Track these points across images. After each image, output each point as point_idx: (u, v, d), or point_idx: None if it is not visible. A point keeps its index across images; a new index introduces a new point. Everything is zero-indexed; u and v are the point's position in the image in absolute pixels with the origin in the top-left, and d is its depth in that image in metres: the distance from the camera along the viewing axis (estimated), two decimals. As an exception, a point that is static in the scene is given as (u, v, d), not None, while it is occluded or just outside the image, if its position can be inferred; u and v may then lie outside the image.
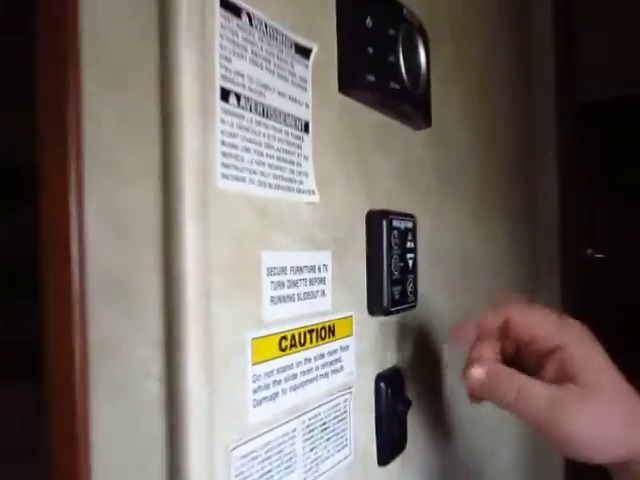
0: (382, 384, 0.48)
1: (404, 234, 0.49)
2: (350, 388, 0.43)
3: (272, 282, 0.35)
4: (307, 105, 0.38)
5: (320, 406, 0.40)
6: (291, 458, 0.37)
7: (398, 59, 0.45)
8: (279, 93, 0.35)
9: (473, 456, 0.67)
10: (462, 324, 0.44)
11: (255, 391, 0.33)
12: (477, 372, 0.40)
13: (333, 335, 0.41)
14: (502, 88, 0.86)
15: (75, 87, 0.27)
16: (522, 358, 0.42)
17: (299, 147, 0.37)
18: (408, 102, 0.47)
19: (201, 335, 0.29)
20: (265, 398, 0.34)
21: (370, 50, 0.42)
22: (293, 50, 0.37)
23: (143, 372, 0.29)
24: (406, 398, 0.50)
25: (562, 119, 1.03)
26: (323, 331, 0.40)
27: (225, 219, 0.31)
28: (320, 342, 0.40)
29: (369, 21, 0.42)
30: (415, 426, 0.53)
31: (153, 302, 0.29)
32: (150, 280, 0.29)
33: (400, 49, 0.45)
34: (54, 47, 0.28)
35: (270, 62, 0.35)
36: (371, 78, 0.42)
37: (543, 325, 0.40)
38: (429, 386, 0.56)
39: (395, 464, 0.50)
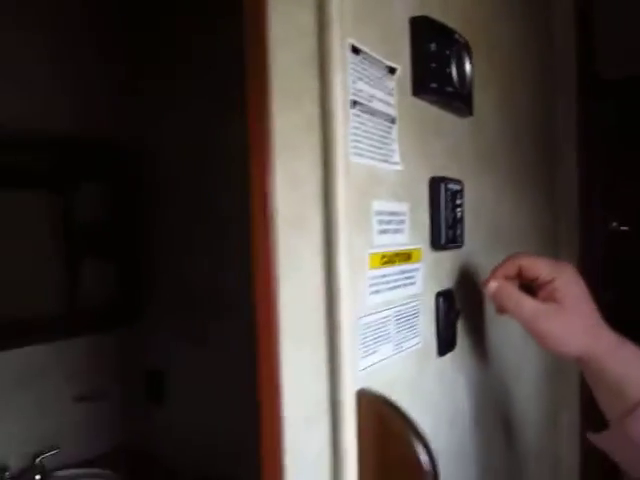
0: (440, 299, 0.69)
1: (454, 194, 0.69)
2: (419, 297, 0.65)
3: (377, 220, 0.56)
4: (394, 106, 0.59)
5: (402, 305, 0.61)
6: (388, 333, 0.58)
7: (451, 70, 0.65)
8: (379, 99, 0.56)
9: (504, 364, 0.88)
10: (493, 270, 0.65)
11: (370, 286, 0.55)
12: (492, 284, 0.61)
13: (409, 259, 0.62)
14: (526, 78, 1.04)
15: (269, 104, 0.48)
16: (528, 290, 0.63)
17: (390, 133, 0.58)
18: (458, 99, 0.67)
19: (346, 248, 0.50)
20: (374, 291, 0.56)
21: (433, 65, 0.62)
22: (386, 71, 0.57)
23: (313, 271, 0.50)
24: (456, 310, 0.71)
25: (581, 97, 1.19)
26: (404, 255, 0.61)
27: (354, 179, 0.52)
28: (402, 262, 0.61)
29: (432, 45, 0.62)
30: (461, 333, 0.74)
31: (317, 228, 0.50)
32: (314, 214, 0.50)
33: (453, 63, 0.65)
34: (257, 90, 0.49)
35: (374, 80, 0.55)
36: (433, 85, 0.63)
37: (543, 266, 0.61)
38: (471, 304, 0.77)
39: (448, 357, 0.71)
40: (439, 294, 0.69)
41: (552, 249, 1.16)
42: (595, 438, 0.63)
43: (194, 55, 1.79)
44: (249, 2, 0.49)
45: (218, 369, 1.86)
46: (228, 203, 1.79)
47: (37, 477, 1.76)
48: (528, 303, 0.60)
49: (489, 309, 0.81)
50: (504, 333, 0.87)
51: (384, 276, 0.57)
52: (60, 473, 1.82)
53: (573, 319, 0.59)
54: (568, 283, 0.60)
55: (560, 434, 1.24)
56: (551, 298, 0.59)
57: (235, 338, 1.80)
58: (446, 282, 0.71)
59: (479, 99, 0.77)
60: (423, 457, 0.50)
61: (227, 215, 1.81)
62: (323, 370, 0.51)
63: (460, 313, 0.71)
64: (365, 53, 0.53)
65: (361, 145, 0.53)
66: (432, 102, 0.65)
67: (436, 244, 0.67)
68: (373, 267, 0.55)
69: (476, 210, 0.77)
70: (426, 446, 0.51)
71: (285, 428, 0.50)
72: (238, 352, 1.77)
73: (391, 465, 0.51)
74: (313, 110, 0.50)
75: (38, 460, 1.78)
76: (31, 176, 1.73)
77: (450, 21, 0.66)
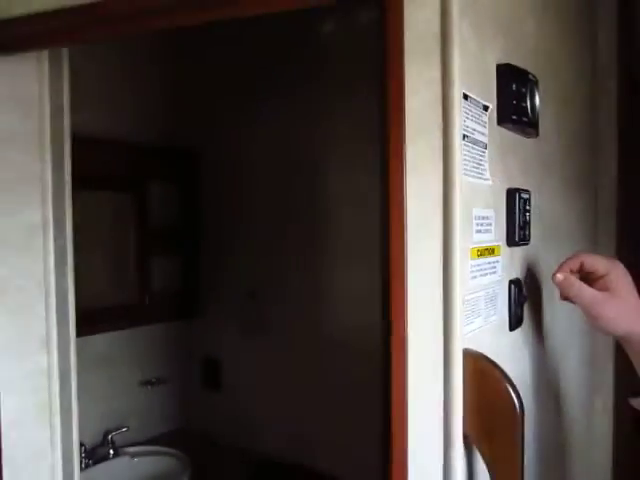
0: (512, 285, 0.87)
1: (525, 201, 0.88)
2: (499, 283, 0.83)
3: (475, 223, 0.75)
4: (485, 135, 0.78)
5: (488, 288, 0.80)
6: (480, 309, 0.77)
7: (526, 104, 0.83)
8: (478, 131, 0.75)
9: (556, 345, 1.06)
10: (560, 265, 0.83)
11: (470, 272, 0.74)
12: (559, 276, 0.80)
13: (493, 253, 0.81)
14: (576, 95, 1.22)
15: (403, 136, 0.67)
16: (586, 281, 0.81)
17: (483, 156, 0.77)
18: (530, 126, 0.86)
19: (458, 244, 0.69)
20: (472, 277, 0.75)
21: (513, 102, 0.81)
22: (482, 108, 0.76)
23: (433, 261, 0.69)
24: (524, 295, 0.90)
25: (623, 106, 1.36)
26: (490, 250, 0.80)
27: (463, 192, 0.71)
28: (488, 255, 0.80)
29: (513, 85, 0.81)
30: (526, 314, 0.93)
31: (438, 229, 0.69)
32: (436, 219, 0.69)
33: (527, 98, 0.83)
34: (396, 126, 0.68)
35: (475, 117, 0.74)
36: (514, 117, 0.81)
37: (600, 262, 0.79)
38: (534, 291, 0.96)
39: (516, 332, 0.90)
40: (511, 282, 0.87)
41: (592, 246, 1.34)
42: (635, 402, 0.81)
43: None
44: (392, 64, 0.68)
45: (272, 358, 2.06)
46: (291, 208, 1.99)
47: (110, 452, 1.98)
48: (588, 291, 0.77)
49: (546, 296, 0.99)
50: (557, 318, 1.05)
51: (478, 265, 0.76)
52: (130, 449, 2.03)
53: (623, 305, 0.77)
54: (619, 276, 0.78)
55: (595, 417, 1.42)
56: (605, 288, 0.77)
57: (290, 330, 2.01)
58: (516, 272, 0.90)
59: (541, 121, 0.95)
60: (515, 399, 0.69)
61: (286, 218, 2.01)
62: (440, 333, 0.70)
63: (526, 298, 0.90)
64: (471, 98, 0.72)
65: (467, 166, 0.72)
66: (511, 129, 0.84)
67: (510, 241, 0.86)
68: (472, 258, 0.74)
69: (538, 213, 0.96)
70: (516, 391, 0.70)
71: (409, 379, 0.70)
72: (292, 342, 1.98)
73: (488, 405, 0.70)
74: (436, 142, 0.69)
75: (109, 437, 1.99)
76: (119, 181, 1.95)
77: (522, 60, 0.85)
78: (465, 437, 0.70)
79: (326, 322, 1.93)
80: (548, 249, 1.00)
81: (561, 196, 1.10)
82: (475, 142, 0.74)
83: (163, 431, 2.23)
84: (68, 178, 1.15)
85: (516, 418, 0.69)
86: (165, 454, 2.01)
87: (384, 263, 0.73)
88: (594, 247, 1.35)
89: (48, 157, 1.12)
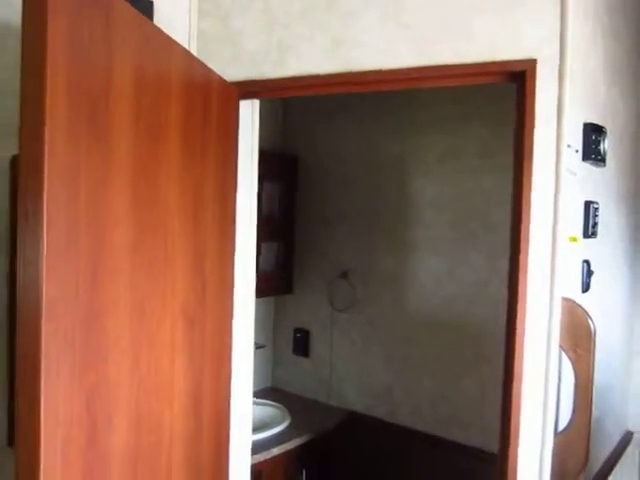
0: (585, 264, 1.42)
1: (595, 209, 1.43)
2: (577, 261, 1.39)
3: (568, 217, 1.30)
4: (575, 167, 1.33)
5: (571, 264, 1.35)
6: (568, 276, 1.32)
7: (601, 147, 1.39)
8: (572, 165, 1.30)
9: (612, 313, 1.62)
10: None
11: (565, 250, 1.29)
12: None
13: (575, 240, 1.36)
14: (626, 133, 1.76)
15: (530, 163, 1.23)
16: None
17: (574, 179, 1.32)
18: (601, 161, 1.41)
19: (563, 229, 1.24)
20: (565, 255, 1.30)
21: (592, 146, 1.36)
22: (574, 151, 1.31)
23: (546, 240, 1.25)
24: (591, 271, 1.45)
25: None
26: (574, 238, 1.35)
27: (562, 199, 1.26)
28: (573, 241, 1.35)
29: (593, 136, 1.36)
30: (592, 283, 1.48)
31: (549, 218, 1.25)
32: (548, 212, 1.24)
33: (601, 143, 1.39)
34: (526, 156, 1.24)
35: (570, 156, 1.29)
36: (592, 156, 1.37)
37: None
38: (596, 268, 1.51)
39: (586, 296, 1.45)
40: (584, 261, 1.42)
41: (634, 244, 1.89)
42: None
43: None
44: (527, 126, 1.23)
45: (358, 331, 2.62)
46: (372, 208, 2.54)
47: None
48: None
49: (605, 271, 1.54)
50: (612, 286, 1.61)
51: (569, 247, 1.31)
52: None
53: None
54: None
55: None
56: None
57: (376, 306, 2.56)
58: (587, 255, 1.45)
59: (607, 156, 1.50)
60: (591, 326, 1.24)
61: (374, 211, 2.56)
62: (547, 290, 1.25)
63: (593, 272, 1.45)
64: (571, 146, 1.27)
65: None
66: (589, 163, 1.39)
67: (585, 234, 1.41)
68: (569, 241, 1.29)
69: (602, 217, 1.51)
70: (591, 320, 1.25)
71: (527, 316, 1.25)
72: (378, 317, 2.53)
73: (574, 328, 1.25)
74: (551, 164, 1.23)
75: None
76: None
77: (597, 117, 1.40)
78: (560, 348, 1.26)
79: (410, 299, 2.48)
80: (606, 243, 1.56)
81: (616, 207, 1.65)
82: (570, 171, 1.29)
83: (257, 389, 2.80)
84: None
85: (591, 336, 1.24)
86: (269, 405, 2.58)
87: (513, 243, 1.27)
88: (635, 245, 1.90)
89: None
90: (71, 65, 0.89)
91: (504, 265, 2.26)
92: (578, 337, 1.24)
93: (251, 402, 1.78)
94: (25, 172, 0.87)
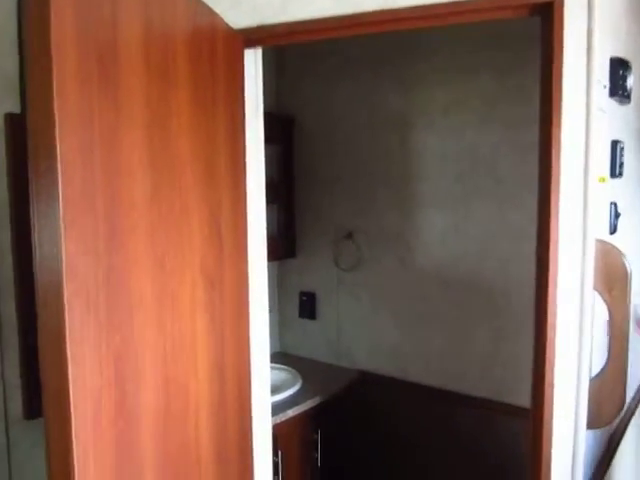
0: (612, 206, 1.36)
1: (622, 149, 1.36)
2: (605, 202, 1.32)
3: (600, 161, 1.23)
4: (604, 103, 1.25)
5: (601, 205, 1.29)
6: (599, 216, 1.26)
7: (626, 83, 1.31)
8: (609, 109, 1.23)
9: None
10: None
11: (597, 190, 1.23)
12: None
13: (604, 181, 1.30)
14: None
15: (560, 104, 1.15)
16: None
17: (602, 116, 1.25)
18: (627, 97, 1.34)
19: (594, 171, 1.18)
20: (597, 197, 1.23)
21: (620, 82, 1.28)
22: (603, 87, 1.23)
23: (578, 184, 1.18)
24: (618, 213, 1.39)
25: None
26: (603, 178, 1.28)
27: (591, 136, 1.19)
28: (602, 182, 1.28)
29: (620, 71, 1.28)
30: (620, 224, 1.42)
31: (581, 166, 1.17)
32: (579, 162, 1.17)
33: (628, 78, 1.31)
34: (557, 98, 1.16)
35: (599, 92, 1.22)
36: (620, 91, 1.29)
37: None
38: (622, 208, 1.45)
39: (615, 235, 1.39)
40: (611, 203, 1.36)
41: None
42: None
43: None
44: (555, 61, 1.15)
45: (365, 291, 2.57)
46: (374, 166, 2.45)
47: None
48: None
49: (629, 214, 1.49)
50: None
51: (599, 186, 1.25)
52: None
53: None
54: None
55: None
56: None
57: (383, 265, 2.50)
58: (614, 196, 1.38)
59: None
60: (627, 266, 1.18)
61: (376, 168, 2.47)
62: (580, 232, 1.19)
63: (620, 214, 1.39)
64: (600, 81, 1.19)
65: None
66: (615, 100, 1.32)
67: (612, 174, 1.34)
68: (599, 182, 1.23)
69: (626, 157, 1.44)
70: (627, 260, 1.19)
71: (560, 259, 1.19)
72: (385, 276, 2.47)
73: (609, 270, 1.20)
74: (581, 102, 1.16)
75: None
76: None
77: (622, 51, 1.32)
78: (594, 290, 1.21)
79: (417, 256, 2.42)
80: (630, 184, 1.49)
81: (636, 146, 1.59)
82: (600, 109, 1.22)
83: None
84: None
85: (627, 277, 1.18)
86: (279, 369, 2.53)
87: (542, 185, 1.21)
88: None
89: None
90: (77, 13, 0.81)
91: (512, 218, 2.22)
92: (613, 279, 1.18)
93: (268, 364, 1.73)
94: (35, 127, 0.80)
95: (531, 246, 2.09)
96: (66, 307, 0.72)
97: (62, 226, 0.75)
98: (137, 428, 0.91)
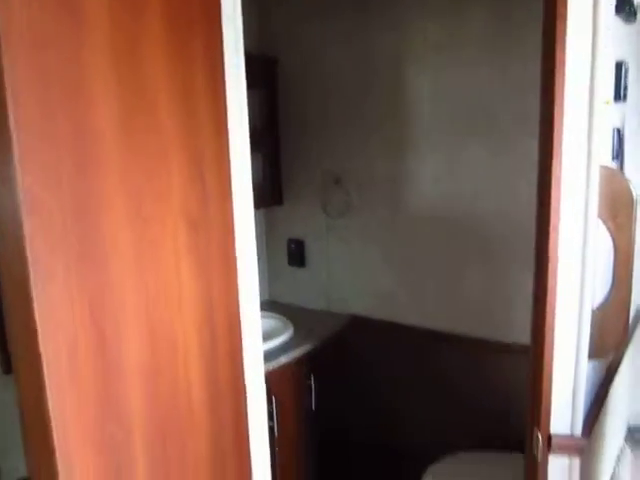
0: (616, 130, 1.29)
1: (626, 71, 1.27)
2: (609, 128, 1.25)
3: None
4: (611, 19, 1.15)
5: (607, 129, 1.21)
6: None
7: (633, 2, 1.21)
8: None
9: None
10: None
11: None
12: None
13: (608, 103, 1.21)
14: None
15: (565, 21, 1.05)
16: None
17: (609, 34, 1.15)
18: (632, 15, 1.24)
19: (601, 97, 1.09)
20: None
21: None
22: (609, 5, 1.14)
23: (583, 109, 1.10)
24: (621, 135, 1.31)
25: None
26: (607, 102, 1.20)
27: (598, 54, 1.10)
28: (608, 104, 1.20)
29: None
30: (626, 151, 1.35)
31: (587, 80, 1.09)
32: (584, 89, 1.09)
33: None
34: (562, 15, 1.06)
35: (609, 14, 1.12)
36: (630, 10, 1.19)
37: None
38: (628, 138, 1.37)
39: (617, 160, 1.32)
40: (615, 129, 1.29)
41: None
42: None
43: None
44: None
45: (355, 237, 2.50)
46: (363, 108, 2.33)
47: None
48: None
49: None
50: None
51: (605, 109, 1.17)
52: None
53: None
54: None
55: None
56: None
57: (372, 210, 2.43)
58: (617, 120, 1.31)
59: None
60: (633, 191, 1.12)
61: (365, 111, 2.35)
62: (584, 158, 1.11)
63: (624, 140, 1.32)
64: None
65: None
66: (621, 17, 1.22)
67: (616, 97, 1.26)
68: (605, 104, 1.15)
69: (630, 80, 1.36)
70: (633, 186, 1.13)
71: (563, 185, 1.12)
72: (375, 221, 2.40)
73: (614, 196, 1.13)
74: (587, 19, 1.06)
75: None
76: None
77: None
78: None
79: (409, 200, 2.35)
80: (633, 107, 1.42)
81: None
82: (606, 27, 1.12)
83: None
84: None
85: (632, 203, 1.12)
86: (270, 317, 2.49)
87: (545, 106, 1.12)
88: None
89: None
90: None
91: (507, 158, 2.13)
92: (618, 205, 1.12)
93: (259, 311, 1.68)
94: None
95: (526, 187, 2.03)
96: (27, 242, 0.64)
97: (16, 153, 0.66)
98: (121, 376, 0.84)
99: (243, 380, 1.43)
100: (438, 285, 2.33)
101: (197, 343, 1.11)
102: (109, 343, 0.79)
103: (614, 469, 1.87)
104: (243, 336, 1.45)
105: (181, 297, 1.04)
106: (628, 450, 1.96)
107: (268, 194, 2.61)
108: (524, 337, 2.08)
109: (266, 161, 2.60)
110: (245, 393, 1.43)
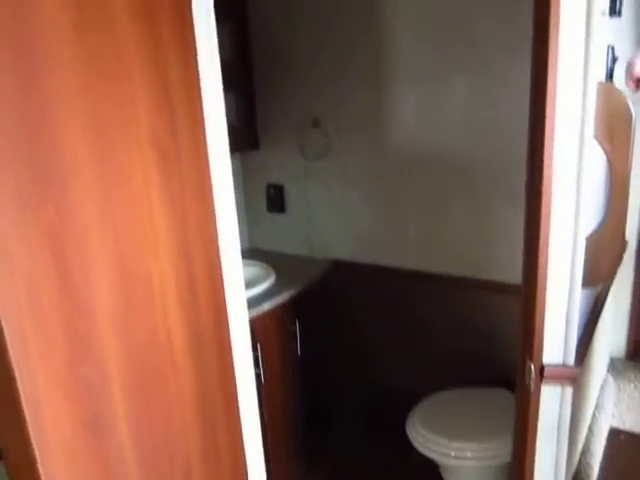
0: (609, 49, 1.21)
1: (613, 51, 1.18)
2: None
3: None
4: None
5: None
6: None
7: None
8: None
9: None
10: None
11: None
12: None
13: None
14: None
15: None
16: None
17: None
18: (616, 13, 1.15)
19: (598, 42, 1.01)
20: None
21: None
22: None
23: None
24: (616, 56, 1.24)
25: None
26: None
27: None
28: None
29: None
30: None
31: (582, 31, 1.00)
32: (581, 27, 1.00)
33: None
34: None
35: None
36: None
37: None
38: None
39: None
40: (608, 46, 1.21)
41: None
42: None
43: None
44: None
45: (335, 180, 2.42)
46: (340, 40, 2.21)
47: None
48: None
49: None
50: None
51: (602, 21, 1.09)
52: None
53: None
54: None
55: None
56: None
57: (353, 152, 2.34)
58: (611, 38, 1.23)
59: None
60: (632, 109, 1.05)
61: (343, 45, 2.22)
62: (581, 72, 1.04)
63: (617, 58, 1.24)
64: None
65: None
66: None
67: (612, 12, 1.18)
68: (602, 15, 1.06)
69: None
70: (631, 104, 1.06)
71: (558, 102, 1.05)
72: (357, 163, 2.32)
73: (611, 114, 1.07)
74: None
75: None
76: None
77: None
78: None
79: (390, 137, 2.26)
80: (626, 25, 1.34)
81: None
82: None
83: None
84: None
85: (630, 122, 1.06)
86: (250, 264, 2.42)
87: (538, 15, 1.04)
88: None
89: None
90: None
91: (492, 88, 2.05)
92: (615, 125, 1.06)
93: (240, 256, 1.61)
94: None
95: (511, 121, 1.96)
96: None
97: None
98: (91, 316, 0.77)
99: (227, 326, 1.37)
100: (421, 225, 2.28)
101: (175, 287, 1.04)
102: (74, 280, 0.71)
103: (598, 398, 1.89)
104: (225, 282, 1.38)
105: (155, 233, 0.95)
106: (611, 379, 1.99)
107: (243, 137, 2.49)
108: (510, 275, 2.07)
109: (240, 101, 2.47)
110: (230, 337, 1.37)
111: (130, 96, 0.91)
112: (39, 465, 0.69)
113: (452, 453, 1.86)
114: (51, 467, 0.71)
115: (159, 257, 0.94)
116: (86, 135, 0.76)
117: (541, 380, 1.21)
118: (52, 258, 0.67)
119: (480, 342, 2.24)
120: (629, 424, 2.00)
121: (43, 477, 0.69)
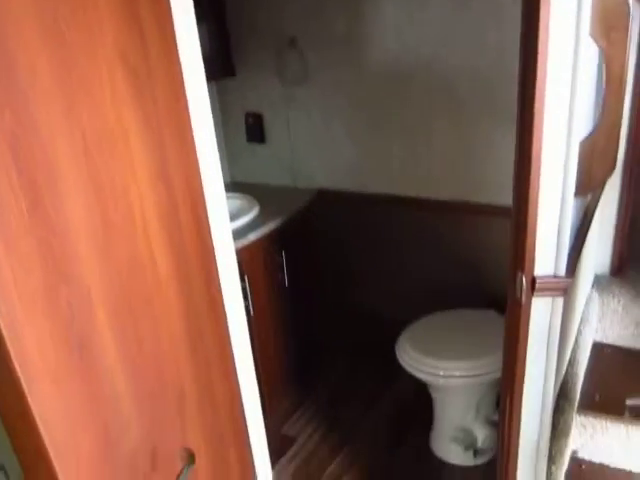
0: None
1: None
2: None
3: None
4: None
5: None
6: None
7: None
8: None
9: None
10: None
11: None
12: None
13: None
14: None
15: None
16: None
17: None
18: None
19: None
20: None
21: None
22: None
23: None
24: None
25: None
26: None
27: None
28: None
29: None
30: None
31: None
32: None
33: None
34: None
35: None
36: None
37: None
38: None
39: None
40: None
41: None
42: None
43: None
44: None
45: (316, 106, 2.33)
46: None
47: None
48: None
49: None
50: None
51: None
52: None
53: None
54: None
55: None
56: None
57: (332, 70, 2.24)
58: None
59: None
60: (630, 5, 0.99)
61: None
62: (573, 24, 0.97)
63: None
64: None
65: None
66: None
67: None
68: None
69: None
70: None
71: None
72: (337, 87, 2.22)
73: (607, 9, 1.00)
74: None
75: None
76: None
77: None
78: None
79: (370, 57, 2.17)
80: None
81: None
82: None
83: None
84: None
85: (628, 16, 1.00)
86: (233, 197, 2.37)
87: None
88: None
89: None
90: None
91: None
92: (612, 19, 0.99)
93: (222, 183, 1.55)
94: None
95: (496, 34, 1.87)
96: None
97: None
98: (65, 233, 0.72)
99: (213, 255, 1.34)
100: (405, 148, 2.23)
101: (156, 211, 0.98)
102: (42, 194, 0.66)
103: (583, 313, 1.92)
104: (209, 212, 1.34)
105: (130, 150, 0.89)
106: (596, 294, 2.01)
107: (218, 64, 2.37)
108: (497, 197, 2.04)
109: (211, 24, 2.34)
110: (217, 268, 1.34)
111: (93, 4, 0.82)
112: (25, 390, 0.66)
113: (441, 372, 1.89)
114: (38, 393, 0.68)
115: (136, 175, 0.89)
116: (43, 40, 0.69)
117: (532, 292, 1.20)
118: (16, 170, 0.62)
119: (468, 265, 2.25)
120: (612, 338, 2.05)
121: (30, 401, 0.66)
